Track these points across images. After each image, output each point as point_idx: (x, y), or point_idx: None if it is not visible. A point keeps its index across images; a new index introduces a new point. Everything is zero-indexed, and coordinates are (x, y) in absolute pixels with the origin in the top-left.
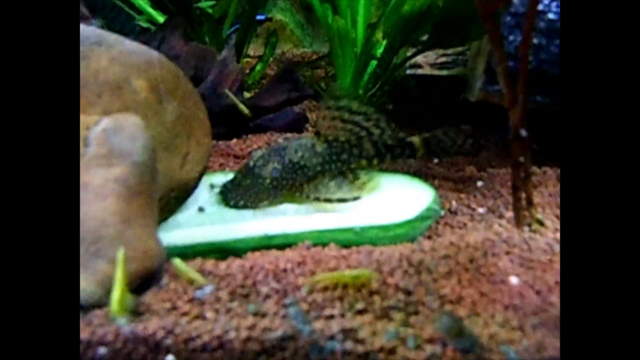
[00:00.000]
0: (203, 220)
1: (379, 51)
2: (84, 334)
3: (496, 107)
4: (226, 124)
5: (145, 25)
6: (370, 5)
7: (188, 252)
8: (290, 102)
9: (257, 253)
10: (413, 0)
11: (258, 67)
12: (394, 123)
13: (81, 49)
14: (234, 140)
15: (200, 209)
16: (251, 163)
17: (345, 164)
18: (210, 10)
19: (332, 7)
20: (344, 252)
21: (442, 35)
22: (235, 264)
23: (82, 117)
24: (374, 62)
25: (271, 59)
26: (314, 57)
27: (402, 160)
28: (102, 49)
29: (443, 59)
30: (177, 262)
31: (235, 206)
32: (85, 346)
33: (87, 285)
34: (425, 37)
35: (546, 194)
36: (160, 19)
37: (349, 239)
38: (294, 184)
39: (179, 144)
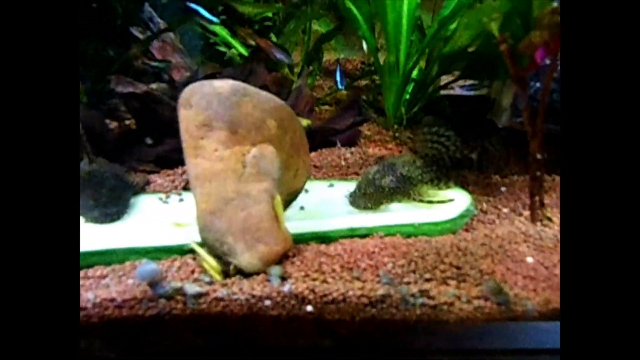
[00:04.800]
0: (304, 215)
1: (417, 74)
2: (255, 292)
3: (517, 131)
4: None
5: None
6: (411, 40)
7: (297, 239)
8: (355, 124)
9: (346, 240)
10: (453, 43)
11: (309, 81)
12: (459, 140)
13: (235, 99)
14: (312, 153)
15: (302, 208)
16: (370, 176)
17: (435, 173)
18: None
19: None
20: (410, 240)
21: (473, 70)
22: (339, 247)
23: (239, 147)
24: (412, 84)
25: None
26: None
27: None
28: (247, 99)
29: (470, 81)
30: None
31: (363, 209)
32: (257, 300)
33: (252, 260)
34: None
35: (554, 197)
36: (241, 48)
37: (410, 232)
38: (405, 190)
39: (292, 163)
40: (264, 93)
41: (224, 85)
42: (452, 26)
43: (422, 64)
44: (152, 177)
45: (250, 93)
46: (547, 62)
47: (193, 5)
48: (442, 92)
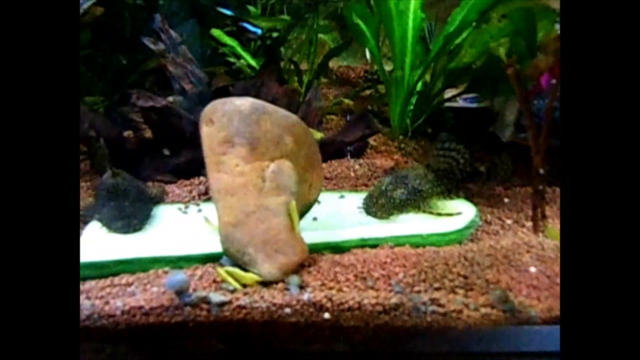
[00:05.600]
0: (317, 226)
1: (422, 86)
2: (275, 300)
3: (520, 145)
4: None
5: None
6: (415, 53)
7: (311, 248)
8: (365, 137)
9: (358, 250)
10: (458, 59)
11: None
12: (468, 153)
13: (255, 117)
14: (323, 164)
15: (314, 219)
16: (383, 187)
17: (446, 186)
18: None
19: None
20: (419, 250)
21: (478, 86)
22: (352, 257)
23: (259, 163)
24: (416, 96)
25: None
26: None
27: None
28: (266, 116)
29: (473, 94)
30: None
31: (375, 217)
32: (277, 307)
33: (271, 269)
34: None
35: (555, 209)
36: (252, 61)
37: (418, 242)
38: (416, 202)
39: (307, 177)
40: (281, 110)
41: (244, 103)
42: (457, 41)
43: (428, 77)
44: (170, 187)
45: (269, 111)
46: (552, 81)
47: (243, 24)
48: (446, 104)
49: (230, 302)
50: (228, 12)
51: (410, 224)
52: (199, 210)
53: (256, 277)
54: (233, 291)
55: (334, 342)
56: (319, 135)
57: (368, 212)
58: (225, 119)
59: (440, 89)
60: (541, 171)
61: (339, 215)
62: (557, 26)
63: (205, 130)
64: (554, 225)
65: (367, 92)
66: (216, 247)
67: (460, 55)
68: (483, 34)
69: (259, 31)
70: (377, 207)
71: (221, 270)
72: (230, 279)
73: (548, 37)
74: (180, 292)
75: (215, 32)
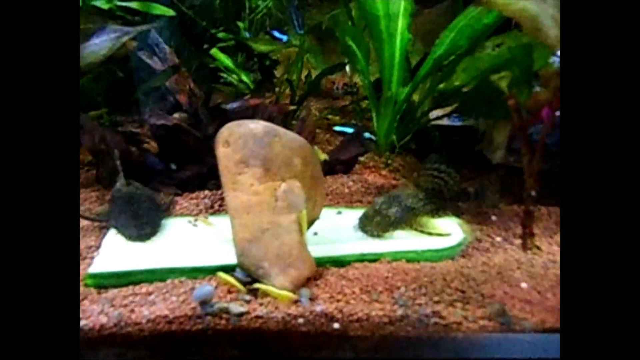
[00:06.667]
0: (318, 240)
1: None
2: (290, 311)
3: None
4: None
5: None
6: (403, 73)
7: (315, 262)
8: (358, 155)
9: (359, 265)
10: (449, 83)
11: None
12: (458, 176)
13: (267, 139)
14: None
15: (315, 233)
16: (377, 207)
17: (435, 205)
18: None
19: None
20: (417, 266)
21: (468, 108)
22: (356, 272)
23: (271, 183)
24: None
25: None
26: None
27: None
28: (277, 139)
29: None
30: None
31: (370, 235)
32: (292, 318)
33: (284, 282)
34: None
35: (541, 227)
36: (244, 77)
37: (413, 258)
38: (408, 221)
39: (312, 195)
40: (289, 133)
41: (257, 126)
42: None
43: (415, 96)
44: (177, 200)
45: (280, 133)
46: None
47: (272, 32)
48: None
49: (248, 313)
50: (284, 38)
51: (405, 240)
52: (209, 224)
53: (293, 296)
54: (249, 302)
55: (341, 349)
56: (323, 156)
57: (364, 230)
58: (241, 142)
59: (428, 108)
60: (533, 193)
61: (338, 231)
62: (554, 58)
63: (221, 151)
64: (541, 243)
65: (350, 106)
66: (228, 259)
67: (452, 78)
68: (476, 61)
69: (285, 38)
70: (373, 225)
71: (222, 275)
72: (236, 283)
73: (548, 71)
74: (204, 302)
75: (212, 50)
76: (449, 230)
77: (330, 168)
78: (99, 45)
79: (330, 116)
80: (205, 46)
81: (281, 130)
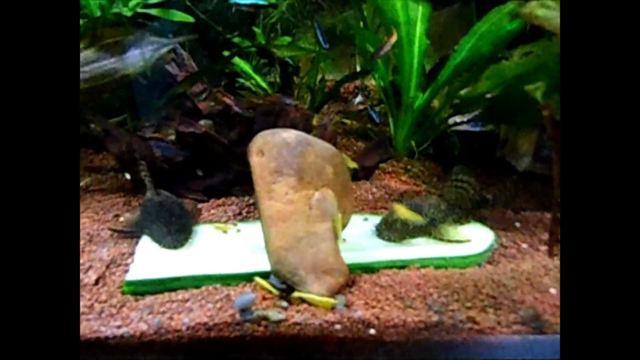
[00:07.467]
0: (347, 247)
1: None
2: (327, 317)
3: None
4: None
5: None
6: (420, 78)
7: None
8: (382, 161)
9: (389, 271)
10: (473, 90)
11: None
12: (478, 185)
13: (301, 149)
14: None
15: (344, 240)
16: (396, 214)
17: (457, 215)
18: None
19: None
20: (446, 272)
21: (492, 115)
22: (388, 279)
23: (305, 192)
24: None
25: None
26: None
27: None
28: (310, 148)
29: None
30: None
31: (388, 241)
32: (329, 324)
33: (320, 289)
34: None
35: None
36: (263, 82)
37: (441, 264)
38: (428, 230)
39: (342, 203)
40: (321, 142)
41: (290, 135)
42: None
43: (436, 102)
44: (203, 206)
45: (312, 143)
46: None
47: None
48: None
49: (286, 319)
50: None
51: (432, 247)
52: (238, 231)
53: (334, 301)
54: (286, 309)
55: (375, 354)
56: (352, 164)
57: (380, 237)
58: (275, 151)
59: (449, 114)
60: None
61: (365, 237)
62: None
63: (256, 160)
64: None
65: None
66: (259, 266)
67: (476, 85)
68: (502, 68)
69: (327, 45)
70: (391, 231)
71: (259, 280)
72: (273, 290)
73: None
74: (245, 310)
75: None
76: (473, 237)
77: (353, 174)
78: (137, 56)
79: (349, 122)
80: (227, 53)
81: (312, 139)
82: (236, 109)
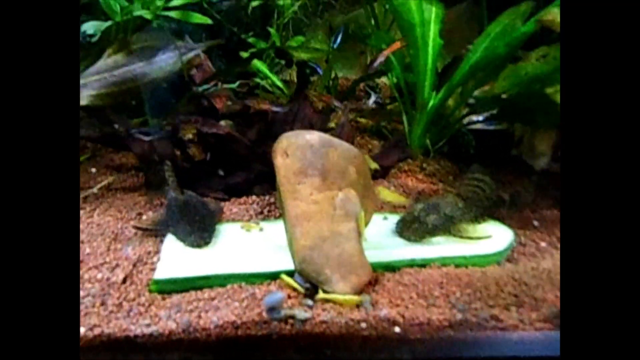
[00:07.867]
0: (368, 246)
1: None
2: (353, 315)
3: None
4: None
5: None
6: (434, 78)
7: None
8: (399, 161)
9: (410, 270)
10: (489, 89)
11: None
12: (494, 184)
13: (324, 150)
14: None
15: (365, 239)
16: (416, 213)
17: (474, 213)
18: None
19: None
20: (467, 271)
21: (506, 115)
22: (411, 277)
23: (329, 192)
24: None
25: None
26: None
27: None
28: (333, 149)
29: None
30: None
31: (408, 240)
32: (355, 322)
33: (345, 288)
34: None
35: None
36: (279, 82)
37: (461, 263)
38: (446, 228)
39: (364, 203)
40: (343, 143)
41: (313, 137)
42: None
43: (451, 102)
44: (225, 205)
45: (335, 144)
46: None
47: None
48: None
49: (313, 318)
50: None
51: (452, 245)
52: (261, 230)
53: (359, 299)
54: (311, 307)
55: (399, 352)
56: (374, 165)
57: (401, 236)
58: (299, 152)
59: (464, 114)
60: None
61: (386, 236)
62: None
63: (280, 162)
64: None
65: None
66: (283, 265)
67: (493, 85)
68: (519, 70)
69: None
70: (410, 230)
71: (286, 278)
72: (300, 288)
73: None
74: (273, 308)
75: (245, 54)
76: (492, 234)
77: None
78: (165, 61)
79: (363, 120)
80: (246, 55)
81: (335, 140)
82: (276, 109)
